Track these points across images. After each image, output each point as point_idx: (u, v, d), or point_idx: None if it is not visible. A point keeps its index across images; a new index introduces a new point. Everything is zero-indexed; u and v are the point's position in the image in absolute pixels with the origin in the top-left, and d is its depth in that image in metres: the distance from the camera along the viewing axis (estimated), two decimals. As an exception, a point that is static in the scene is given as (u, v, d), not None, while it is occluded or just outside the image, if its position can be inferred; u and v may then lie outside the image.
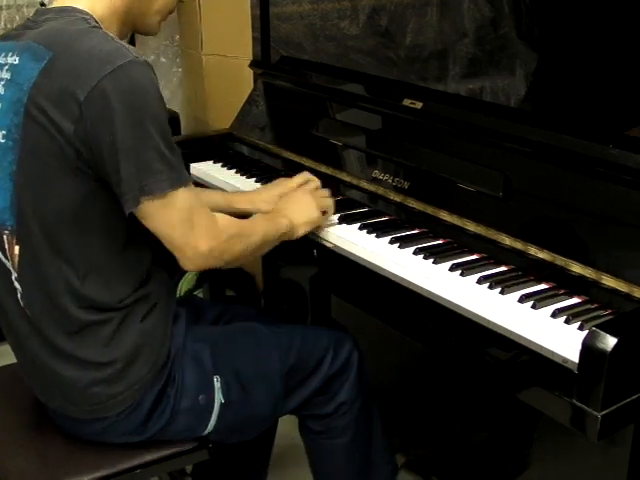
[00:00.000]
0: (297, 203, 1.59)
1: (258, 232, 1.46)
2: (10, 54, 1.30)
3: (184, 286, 2.79)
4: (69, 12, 1.32)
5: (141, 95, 1.21)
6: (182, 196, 1.27)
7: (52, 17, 1.32)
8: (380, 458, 1.66)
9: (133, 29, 1.45)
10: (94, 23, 1.30)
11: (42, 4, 1.39)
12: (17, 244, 1.31)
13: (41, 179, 1.26)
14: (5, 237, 1.32)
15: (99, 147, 1.21)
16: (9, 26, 2.87)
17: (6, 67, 1.30)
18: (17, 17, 2.88)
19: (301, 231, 1.56)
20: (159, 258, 1.48)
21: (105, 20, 1.35)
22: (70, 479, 1.36)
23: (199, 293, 2.72)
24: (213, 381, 1.43)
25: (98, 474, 1.38)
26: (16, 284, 1.34)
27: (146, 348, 1.36)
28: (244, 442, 1.61)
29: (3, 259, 1.35)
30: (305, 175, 1.72)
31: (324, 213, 1.60)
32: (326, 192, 1.66)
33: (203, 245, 1.30)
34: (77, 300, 1.31)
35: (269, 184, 1.77)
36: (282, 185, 1.71)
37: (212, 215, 1.35)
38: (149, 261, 1.40)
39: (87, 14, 1.32)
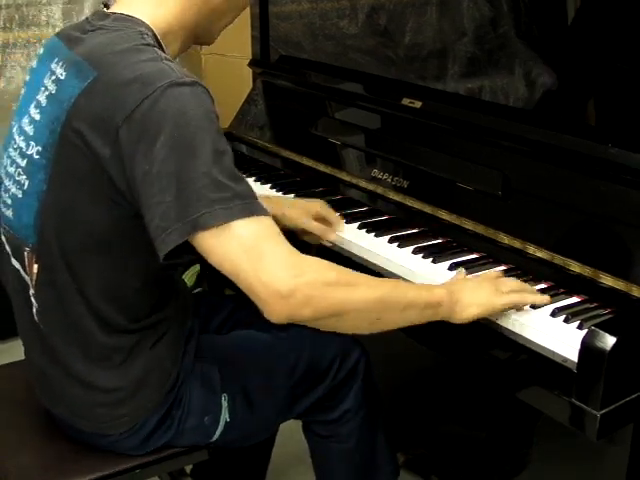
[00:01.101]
0: (471, 280, 1.31)
1: (375, 287, 1.18)
2: (61, 63, 1.24)
3: (184, 285, 2.79)
4: (126, 22, 1.24)
5: (183, 118, 1.09)
6: (248, 225, 1.08)
7: (108, 26, 1.24)
8: (382, 460, 1.66)
9: (194, 41, 1.38)
10: (150, 39, 1.21)
11: (105, 5, 1.33)
12: (36, 262, 1.28)
13: (69, 203, 1.21)
14: (26, 254, 1.30)
15: (134, 176, 1.11)
16: (8, 25, 2.87)
17: (53, 77, 1.24)
18: (16, 16, 2.88)
19: (470, 311, 1.24)
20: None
21: (170, 34, 1.28)
22: (70, 479, 1.37)
23: (198, 292, 2.72)
24: (221, 400, 1.40)
25: (98, 474, 1.37)
26: (33, 300, 1.32)
27: (154, 375, 1.34)
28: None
29: (23, 273, 1.32)
30: None
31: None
32: (514, 283, 1.32)
33: (279, 283, 1.06)
34: (96, 319, 1.27)
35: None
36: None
37: (296, 251, 1.11)
38: (171, 282, 1.36)
39: (147, 27, 1.24)
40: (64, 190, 1.21)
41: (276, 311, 1.09)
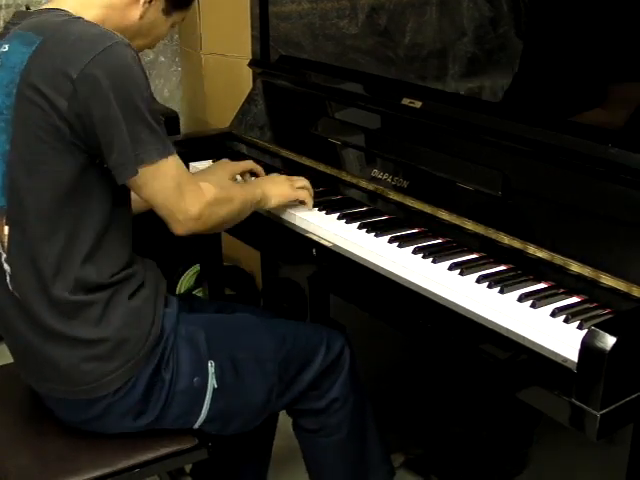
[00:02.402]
0: (269, 179, 1.72)
1: (238, 197, 1.53)
2: (1, 45, 1.35)
3: (183, 285, 2.79)
4: (54, 11, 1.36)
5: (129, 73, 1.29)
6: (170, 165, 1.35)
7: (35, 15, 1.36)
8: (375, 458, 1.66)
9: None
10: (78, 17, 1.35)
11: (27, 7, 1.41)
12: (7, 224, 1.35)
13: (35, 156, 1.30)
14: None
15: (92, 122, 1.27)
16: (8, 25, 2.87)
17: None
18: (16, 16, 2.88)
19: (274, 202, 1.64)
20: (153, 257, 1.49)
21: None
22: (69, 478, 1.37)
23: (198, 292, 2.72)
24: (207, 366, 1.44)
25: (97, 473, 1.38)
26: (5, 265, 1.37)
27: (136, 326, 1.38)
28: (243, 441, 1.61)
29: None
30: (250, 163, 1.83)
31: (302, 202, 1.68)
32: (301, 181, 1.71)
33: (193, 209, 1.38)
34: (66, 282, 1.33)
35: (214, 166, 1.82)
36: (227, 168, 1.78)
37: (197, 182, 1.43)
38: (131, 245, 1.44)
39: (73, 15, 1.36)
40: (27, 146, 1.31)
41: (185, 227, 1.40)
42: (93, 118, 1.27)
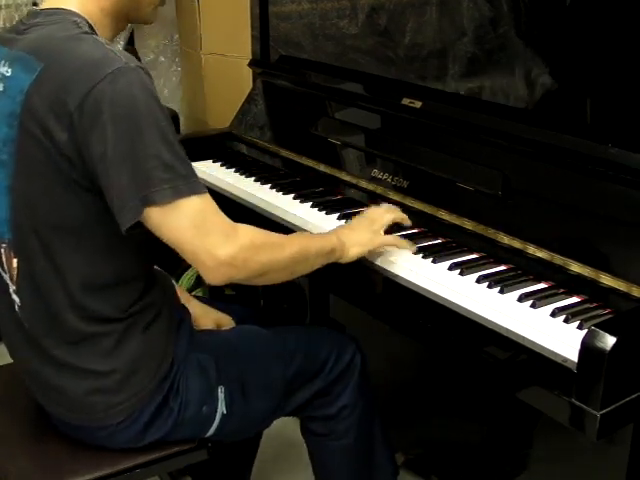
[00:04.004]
0: (351, 226, 1.49)
1: (292, 244, 1.33)
2: (3, 62, 1.28)
3: (183, 285, 2.79)
4: (60, 15, 1.28)
5: (132, 102, 1.16)
6: (192, 203, 1.19)
7: (42, 21, 1.28)
8: (381, 459, 1.66)
9: (129, 22, 1.43)
10: (86, 27, 1.27)
11: (34, 4, 1.37)
12: (15, 257, 1.30)
13: (37, 192, 1.24)
14: (3, 250, 1.31)
15: (91, 158, 1.18)
16: (8, 25, 2.87)
17: None
18: (16, 16, 2.88)
19: (353, 251, 1.43)
20: (159, 256, 1.47)
21: (97, 21, 1.31)
22: (70, 479, 1.36)
23: (198, 292, 2.72)
24: (217, 392, 1.41)
25: (98, 474, 1.38)
26: (14, 296, 1.33)
27: (147, 358, 1.34)
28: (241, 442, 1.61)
29: (1, 272, 1.34)
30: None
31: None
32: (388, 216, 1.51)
33: (222, 252, 1.20)
34: (78, 312, 1.29)
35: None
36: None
37: (231, 222, 1.25)
38: (150, 268, 1.38)
39: (78, 16, 1.28)
40: (30, 181, 1.25)
41: (218, 276, 1.23)
42: (92, 155, 1.17)
